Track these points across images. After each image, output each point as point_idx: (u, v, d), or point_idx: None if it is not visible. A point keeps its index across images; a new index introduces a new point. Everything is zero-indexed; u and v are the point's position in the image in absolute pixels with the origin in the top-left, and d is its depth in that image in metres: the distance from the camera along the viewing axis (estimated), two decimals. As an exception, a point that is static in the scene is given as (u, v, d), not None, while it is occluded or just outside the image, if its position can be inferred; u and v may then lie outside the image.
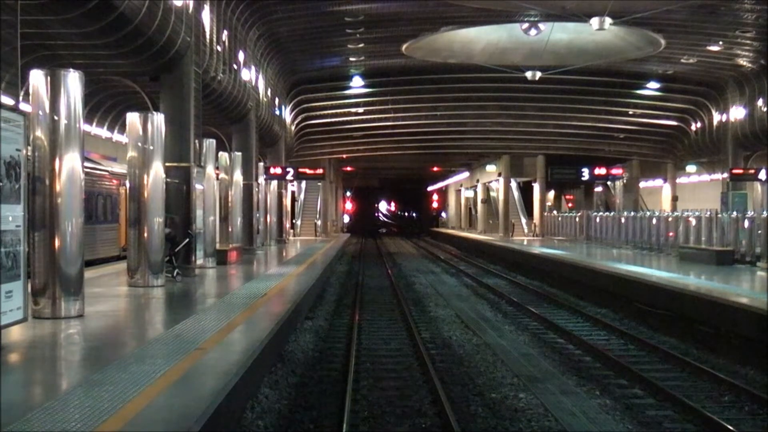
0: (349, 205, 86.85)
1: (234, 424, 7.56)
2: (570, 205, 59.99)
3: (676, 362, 12.05)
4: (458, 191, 70.92)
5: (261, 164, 31.79)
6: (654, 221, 27.96)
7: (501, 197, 49.75)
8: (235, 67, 24.45)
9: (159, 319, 11.73)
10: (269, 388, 9.65)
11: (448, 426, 8.31)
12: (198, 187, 18.59)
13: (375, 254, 43.07)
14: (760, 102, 34.64)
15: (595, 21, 23.43)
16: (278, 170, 34.10)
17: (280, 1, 25.95)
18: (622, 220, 31.62)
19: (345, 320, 16.51)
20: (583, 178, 40.33)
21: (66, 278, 10.33)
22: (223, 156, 23.41)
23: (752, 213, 24.86)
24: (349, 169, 67.08)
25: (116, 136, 30.86)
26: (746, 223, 21.61)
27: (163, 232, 14.85)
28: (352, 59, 36.34)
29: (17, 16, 11.43)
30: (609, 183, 48.07)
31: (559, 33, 30.33)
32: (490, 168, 52.83)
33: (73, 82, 10.40)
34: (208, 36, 20.56)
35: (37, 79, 10.29)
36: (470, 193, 64.08)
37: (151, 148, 14.44)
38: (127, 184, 15.06)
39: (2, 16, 10.89)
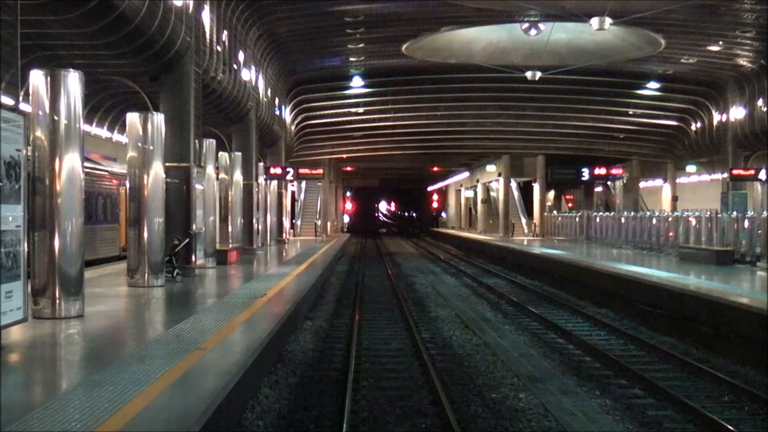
0: (349, 205, 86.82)
1: (234, 425, 7.56)
2: (570, 205, 59.97)
3: (676, 362, 12.05)
4: (458, 191, 70.91)
5: (261, 164, 31.78)
6: (654, 221, 27.96)
7: (501, 197, 49.74)
8: (235, 67, 24.45)
9: (159, 320, 11.74)
10: (269, 388, 9.65)
11: (448, 426, 8.31)
12: (198, 187, 18.58)
13: (375, 254, 43.07)
14: (760, 102, 34.63)
15: (595, 21, 23.44)
16: (278, 170, 34.10)
17: (280, 1, 25.96)
18: (622, 220, 31.62)
19: (345, 320, 16.51)
20: (583, 178, 40.40)
21: (66, 278, 10.34)
22: (223, 156, 23.41)
23: (752, 213, 24.87)
24: (349, 169, 67.08)
25: (116, 136, 30.84)
26: (746, 223, 21.61)
27: (164, 232, 14.86)
28: (352, 59, 36.34)
29: (17, 16, 11.43)
30: (609, 183, 48.08)
31: (559, 33, 30.33)
32: (490, 168, 52.83)
33: (73, 82, 10.40)
34: (208, 36, 20.56)
35: (37, 79, 10.29)
36: (470, 193, 64.08)
37: (151, 148, 14.44)
38: (127, 184, 15.07)
39: (2, 16, 10.89)
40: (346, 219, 79.38)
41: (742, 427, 8.63)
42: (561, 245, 33.46)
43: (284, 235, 37.64)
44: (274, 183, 34.35)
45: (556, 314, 17.47)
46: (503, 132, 44.47)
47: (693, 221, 24.11)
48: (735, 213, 24.20)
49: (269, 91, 32.93)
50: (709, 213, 23.47)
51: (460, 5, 26.84)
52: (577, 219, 38.48)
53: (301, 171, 39.93)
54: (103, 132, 30.28)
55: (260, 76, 30.11)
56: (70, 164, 10.33)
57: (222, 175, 23.18)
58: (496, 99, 41.81)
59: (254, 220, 28.37)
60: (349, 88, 40.88)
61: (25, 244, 8.64)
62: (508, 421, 8.77)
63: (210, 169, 20.17)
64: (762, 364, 11.33)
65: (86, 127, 23.21)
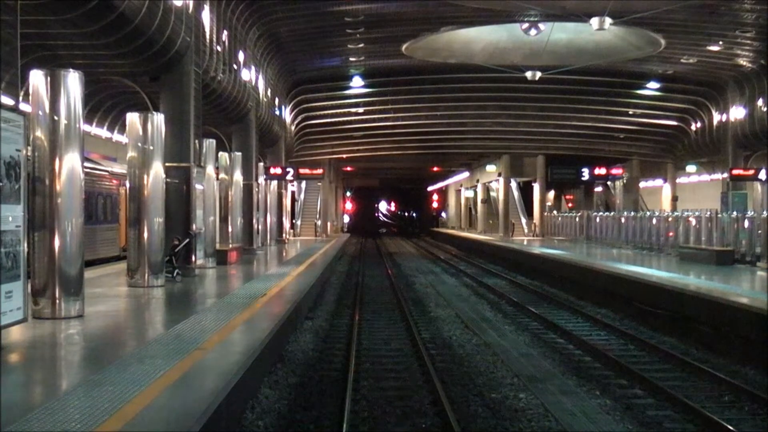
0: (349, 205, 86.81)
1: (234, 425, 7.56)
2: (570, 205, 59.97)
3: (676, 362, 12.05)
4: (458, 191, 70.90)
5: (261, 164, 31.78)
6: (654, 221, 27.96)
7: (501, 197, 49.74)
8: (235, 67, 24.45)
9: (159, 320, 11.73)
10: (269, 389, 9.65)
11: (449, 426, 8.31)
12: (198, 187, 18.58)
13: (375, 254, 43.06)
14: (760, 102, 34.62)
15: (595, 21, 23.44)
16: (278, 170, 34.10)
17: (280, 1, 25.95)
18: (622, 220, 31.62)
19: (345, 320, 16.51)
20: (583, 178, 40.41)
21: (66, 278, 10.33)
22: (223, 156, 23.41)
23: (752, 213, 24.86)
24: (349, 169, 67.06)
25: (116, 136, 30.84)
26: (746, 223, 21.61)
27: (164, 232, 14.87)
28: (352, 59, 36.34)
29: (17, 16, 11.43)
30: (609, 183, 48.08)
31: (559, 33, 30.33)
32: (490, 168, 52.82)
33: (73, 82, 10.40)
34: (208, 36, 20.55)
35: (37, 79, 10.29)
36: (470, 193, 64.06)
37: (151, 148, 14.44)
38: (127, 184, 15.07)
39: (2, 16, 10.89)
40: (346, 219, 79.35)
41: (742, 427, 8.63)
42: (561, 245, 33.45)
43: (284, 235, 37.64)
44: (274, 183, 34.34)
45: (556, 314, 17.47)
46: (503, 132, 44.46)
47: (693, 221, 24.10)
48: (735, 213, 24.20)
49: (269, 91, 32.93)
50: (709, 213, 23.47)
51: (460, 5, 26.84)
52: (577, 219, 38.48)
53: (301, 171, 39.93)
54: (103, 132, 30.28)
55: (260, 76, 30.11)
56: (70, 164, 10.33)
57: (222, 175, 23.18)
58: (496, 99, 41.80)
59: (254, 220, 28.37)
60: (349, 88, 40.87)
61: (25, 244, 8.65)
62: (508, 421, 8.77)
63: (210, 169, 20.17)
64: (762, 364, 11.33)
65: (86, 127, 23.21)
